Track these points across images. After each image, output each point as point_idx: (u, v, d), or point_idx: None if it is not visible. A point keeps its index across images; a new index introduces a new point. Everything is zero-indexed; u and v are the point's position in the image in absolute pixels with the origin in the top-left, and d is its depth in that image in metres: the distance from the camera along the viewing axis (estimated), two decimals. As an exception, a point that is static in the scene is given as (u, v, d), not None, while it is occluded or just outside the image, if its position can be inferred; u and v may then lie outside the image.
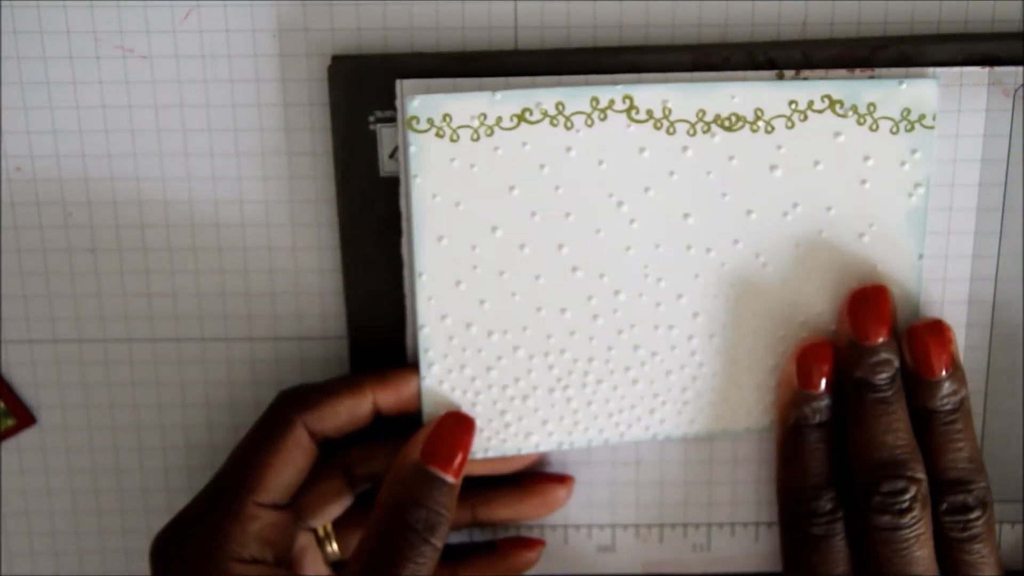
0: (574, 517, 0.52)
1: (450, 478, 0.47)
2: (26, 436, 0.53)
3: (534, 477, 0.52)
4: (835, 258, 0.48)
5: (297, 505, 0.49)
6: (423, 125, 0.46)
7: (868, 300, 0.47)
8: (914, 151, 0.47)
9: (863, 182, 0.47)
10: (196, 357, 0.52)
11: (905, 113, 0.47)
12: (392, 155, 0.49)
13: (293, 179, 0.50)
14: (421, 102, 0.46)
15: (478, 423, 0.49)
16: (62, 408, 0.53)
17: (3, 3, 0.48)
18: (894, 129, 0.47)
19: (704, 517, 0.52)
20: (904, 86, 0.46)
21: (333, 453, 0.49)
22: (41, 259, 0.51)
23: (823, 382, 0.48)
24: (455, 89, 0.47)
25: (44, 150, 0.50)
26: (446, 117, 0.46)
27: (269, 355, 0.52)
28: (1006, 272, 0.49)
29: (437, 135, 0.46)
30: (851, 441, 0.47)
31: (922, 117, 0.47)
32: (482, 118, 0.46)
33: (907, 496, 0.45)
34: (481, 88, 0.47)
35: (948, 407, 0.47)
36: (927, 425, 0.47)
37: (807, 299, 0.49)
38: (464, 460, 0.47)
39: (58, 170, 0.50)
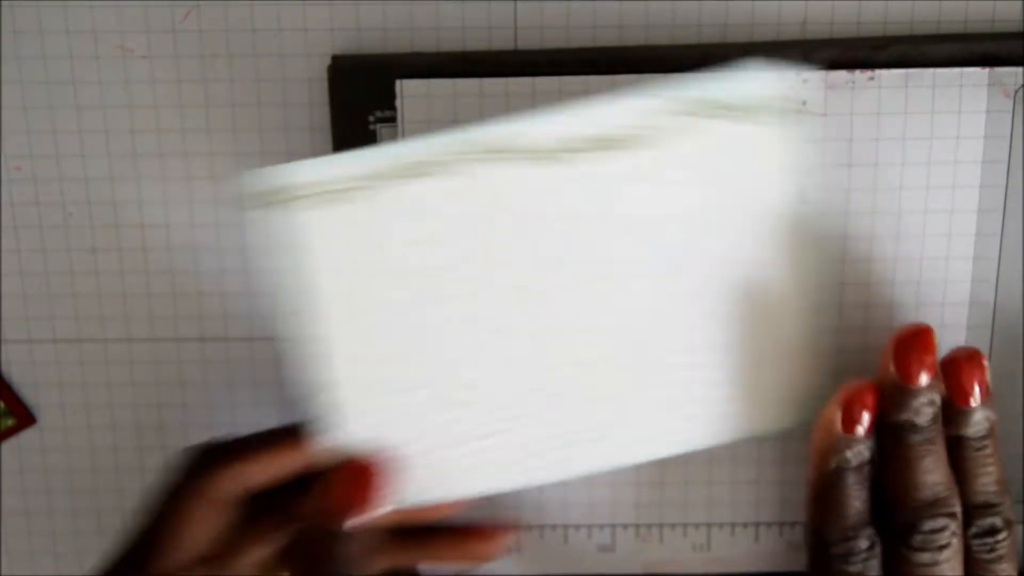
0: (574, 517, 0.52)
1: (358, 526, 0.45)
2: (26, 436, 0.53)
3: (472, 525, 0.51)
4: (754, 261, 0.47)
5: (222, 556, 0.48)
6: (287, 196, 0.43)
7: (916, 342, 0.47)
8: (789, 140, 0.45)
9: (754, 178, 0.46)
10: (196, 357, 0.52)
11: (769, 103, 0.45)
12: None
13: (293, 179, 0.50)
14: (272, 177, 0.42)
15: (400, 472, 0.48)
16: (62, 408, 0.53)
17: (3, 3, 0.48)
18: (766, 122, 0.45)
19: (704, 517, 0.52)
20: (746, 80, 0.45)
21: (259, 500, 0.48)
22: (41, 259, 0.51)
23: (868, 427, 0.47)
24: (455, 90, 0.47)
25: (44, 150, 0.50)
26: (313, 185, 0.43)
27: (269, 355, 0.52)
28: (1007, 274, 0.49)
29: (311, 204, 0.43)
30: (891, 481, 0.46)
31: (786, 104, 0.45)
32: (359, 180, 0.44)
33: (947, 533, 0.45)
34: (480, 89, 0.47)
35: (981, 433, 0.46)
36: (959, 452, 0.46)
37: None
38: (366, 508, 0.45)
39: (58, 170, 0.50)
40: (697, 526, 0.52)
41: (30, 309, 0.52)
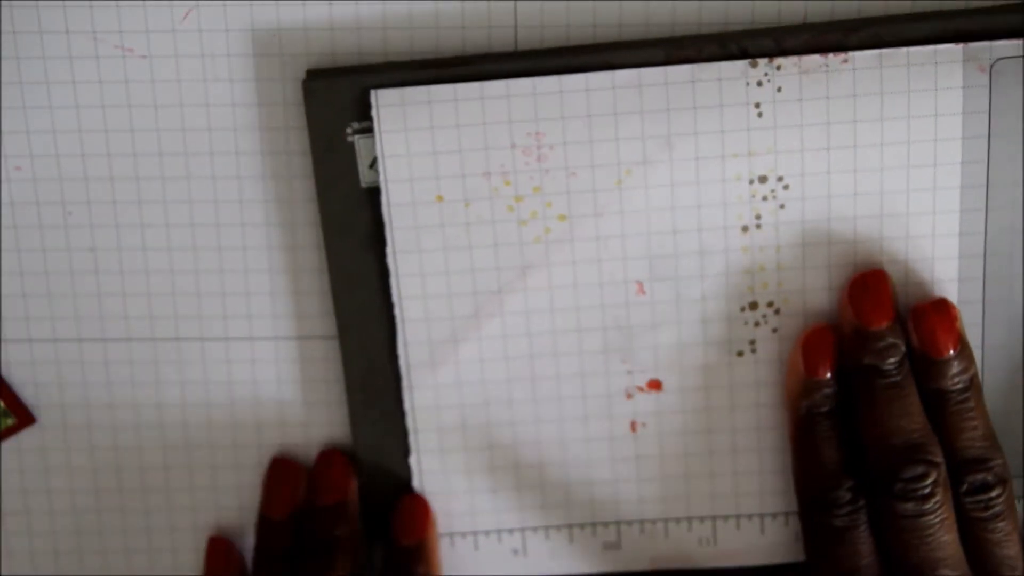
0: (578, 516, 0.52)
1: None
2: (26, 436, 0.53)
3: None
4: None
5: None
6: None
7: (868, 285, 0.48)
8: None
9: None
10: (196, 357, 0.52)
11: None
12: (372, 165, 0.49)
13: (293, 178, 0.50)
14: None
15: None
16: (62, 408, 0.53)
17: (3, 3, 0.48)
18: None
19: (708, 510, 0.52)
20: None
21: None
22: (41, 259, 0.51)
23: (829, 368, 0.48)
24: (430, 97, 0.48)
25: (44, 150, 0.50)
26: None
27: (269, 355, 0.52)
28: (994, 248, 0.49)
29: None
30: (865, 429, 0.47)
31: None
32: None
33: (928, 481, 0.45)
34: (455, 95, 0.48)
35: (959, 386, 0.47)
36: (939, 406, 0.47)
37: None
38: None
39: (58, 170, 0.50)
40: (702, 519, 0.52)
41: (30, 309, 0.52)
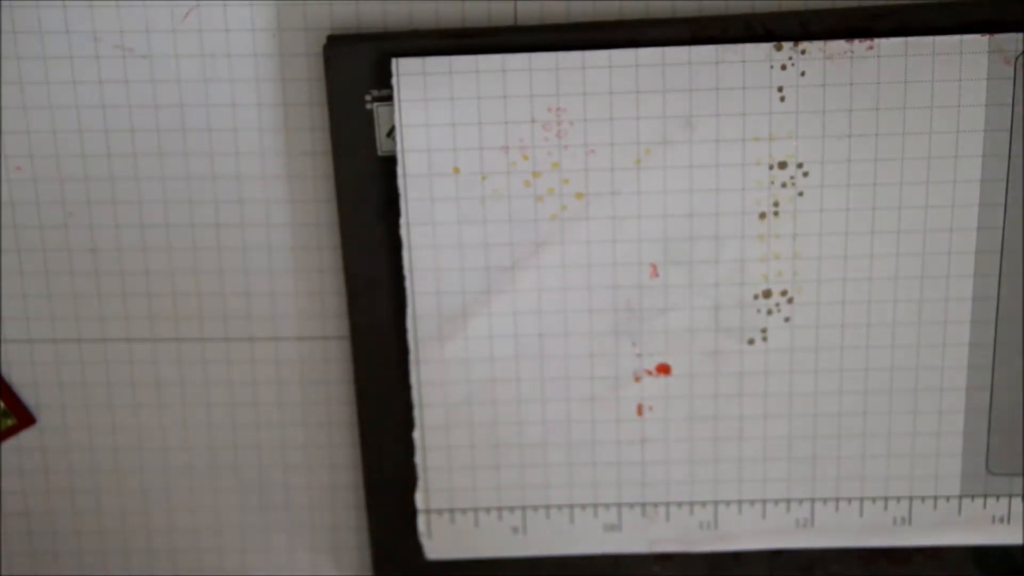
0: (580, 497, 0.52)
1: None
2: (26, 436, 0.53)
3: None
4: None
5: None
6: None
7: None
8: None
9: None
10: (196, 357, 0.52)
11: None
12: (389, 134, 0.49)
13: (292, 179, 0.50)
14: None
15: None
16: (62, 408, 0.53)
17: (3, 3, 0.48)
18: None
19: (710, 495, 0.52)
20: None
21: None
22: (41, 259, 0.51)
23: None
24: (451, 67, 0.48)
25: (44, 150, 0.50)
26: None
27: (269, 355, 0.52)
28: (1011, 243, 0.49)
29: None
30: None
31: None
32: None
33: None
34: (477, 66, 0.48)
35: None
36: None
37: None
38: None
39: (58, 170, 0.50)
40: (704, 504, 0.52)
41: (30, 309, 0.52)
